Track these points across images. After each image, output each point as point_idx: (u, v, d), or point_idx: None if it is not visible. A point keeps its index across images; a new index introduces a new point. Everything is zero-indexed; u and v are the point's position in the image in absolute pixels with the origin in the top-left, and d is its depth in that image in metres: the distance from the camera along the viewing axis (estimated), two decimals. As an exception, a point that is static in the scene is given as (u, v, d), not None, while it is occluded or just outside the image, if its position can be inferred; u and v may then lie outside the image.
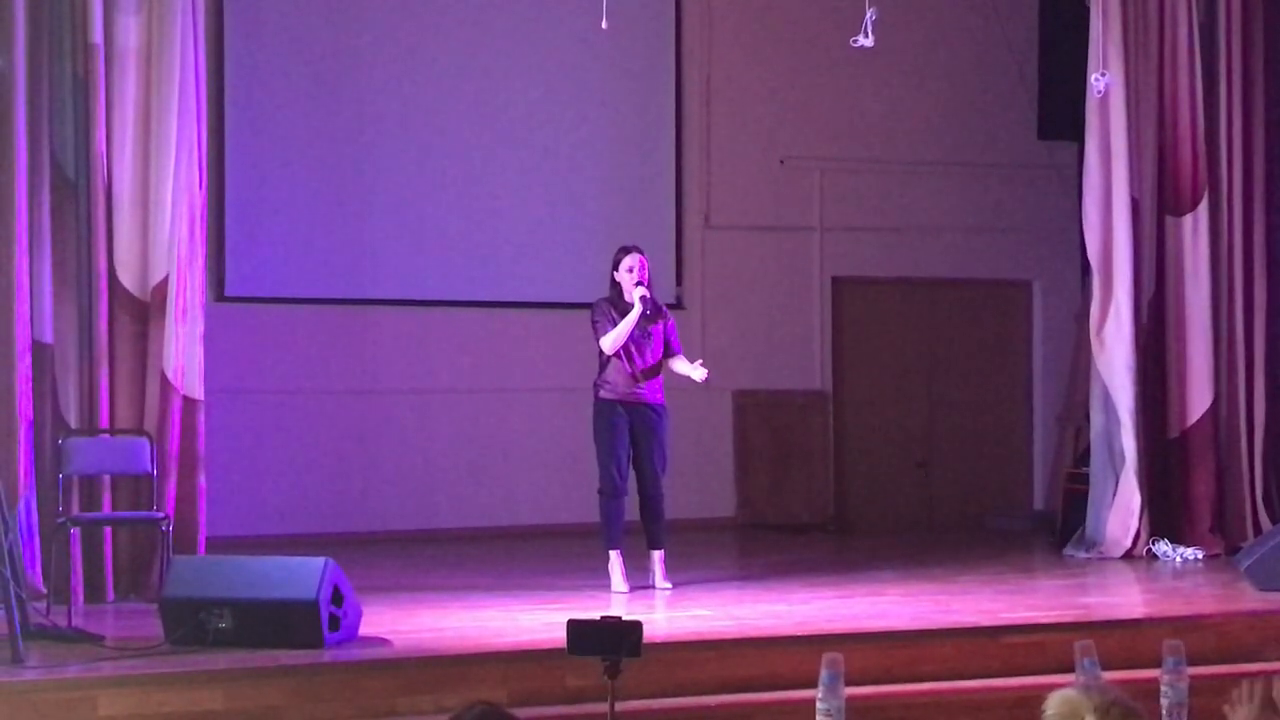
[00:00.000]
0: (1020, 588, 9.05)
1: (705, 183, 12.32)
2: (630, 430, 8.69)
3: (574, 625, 5.13)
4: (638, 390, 8.70)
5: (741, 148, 12.37)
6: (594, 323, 8.75)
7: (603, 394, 8.74)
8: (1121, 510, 10.20)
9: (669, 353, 8.78)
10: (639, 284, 8.68)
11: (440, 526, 11.36)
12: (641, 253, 8.83)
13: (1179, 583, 9.36)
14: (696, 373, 8.69)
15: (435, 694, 6.45)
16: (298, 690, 6.42)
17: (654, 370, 8.76)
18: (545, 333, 11.70)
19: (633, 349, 8.68)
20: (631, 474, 8.76)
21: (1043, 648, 7.13)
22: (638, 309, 8.61)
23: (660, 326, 8.78)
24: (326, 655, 6.75)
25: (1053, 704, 3.32)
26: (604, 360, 8.73)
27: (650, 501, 8.79)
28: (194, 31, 8.60)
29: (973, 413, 13.03)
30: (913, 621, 7.65)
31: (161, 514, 8.23)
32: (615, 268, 8.79)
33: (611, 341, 8.64)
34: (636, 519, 8.84)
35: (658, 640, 6.71)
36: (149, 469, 8.31)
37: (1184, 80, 10.44)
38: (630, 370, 8.69)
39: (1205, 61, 10.50)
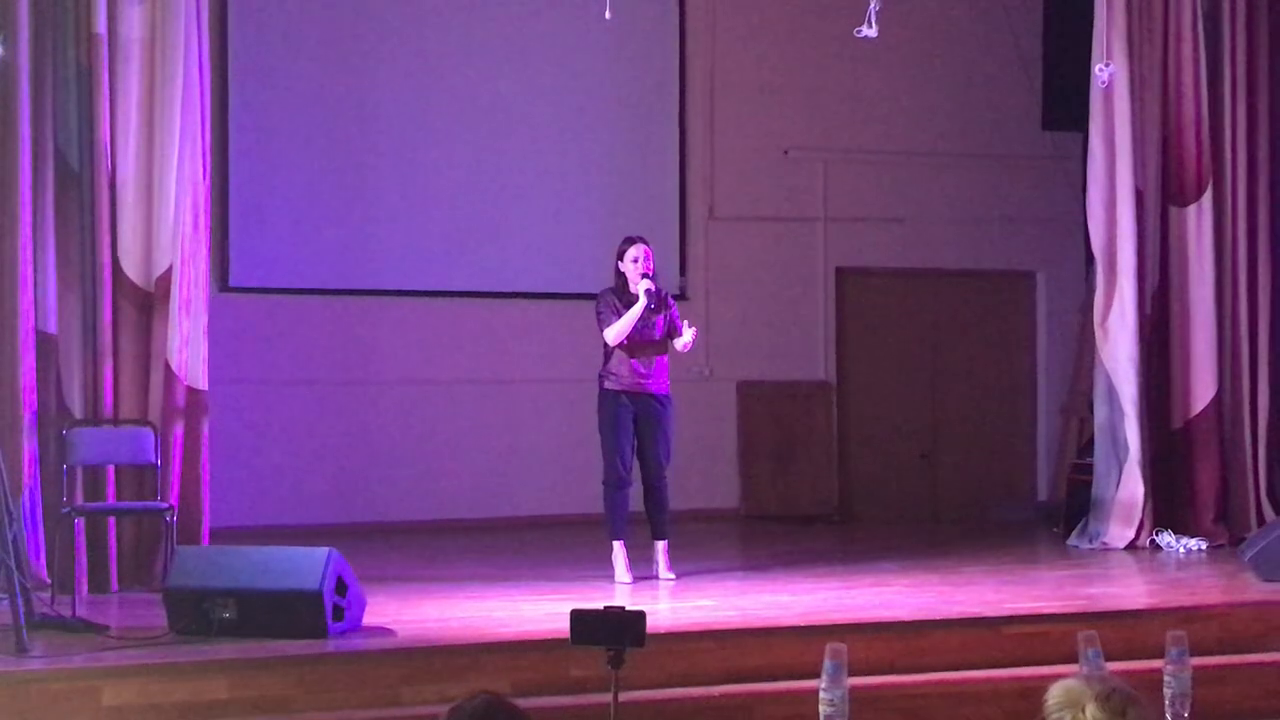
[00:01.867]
0: (1024, 578, 9.04)
1: (709, 173, 12.32)
2: (635, 421, 8.69)
3: (577, 615, 5.13)
4: (643, 381, 8.70)
5: (745, 138, 12.36)
6: (598, 314, 8.74)
7: (607, 385, 8.73)
8: (1125, 501, 10.20)
9: (672, 337, 8.77)
10: (645, 275, 8.67)
11: (444, 517, 11.37)
12: (646, 243, 8.82)
13: (1182, 574, 9.36)
14: (686, 334, 8.64)
15: (439, 684, 6.45)
16: (302, 680, 6.42)
17: (659, 360, 8.75)
18: (549, 323, 11.70)
19: (637, 339, 8.67)
20: (636, 464, 8.76)
21: (1046, 638, 7.13)
22: (642, 302, 8.59)
23: (664, 317, 8.77)
24: (330, 645, 6.76)
25: (1054, 694, 3.32)
26: (609, 351, 8.72)
27: (654, 492, 8.78)
28: (197, 21, 8.59)
29: (976, 403, 13.03)
30: (916, 612, 7.64)
31: (165, 504, 8.24)
32: (620, 258, 8.78)
33: (615, 333, 8.63)
34: (641, 509, 8.84)
35: (661, 630, 6.71)
36: (153, 459, 8.31)
37: (1188, 70, 10.43)
38: (635, 361, 8.68)
39: (1209, 52, 10.49)
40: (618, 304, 8.68)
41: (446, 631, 7.14)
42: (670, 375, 8.87)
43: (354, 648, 6.80)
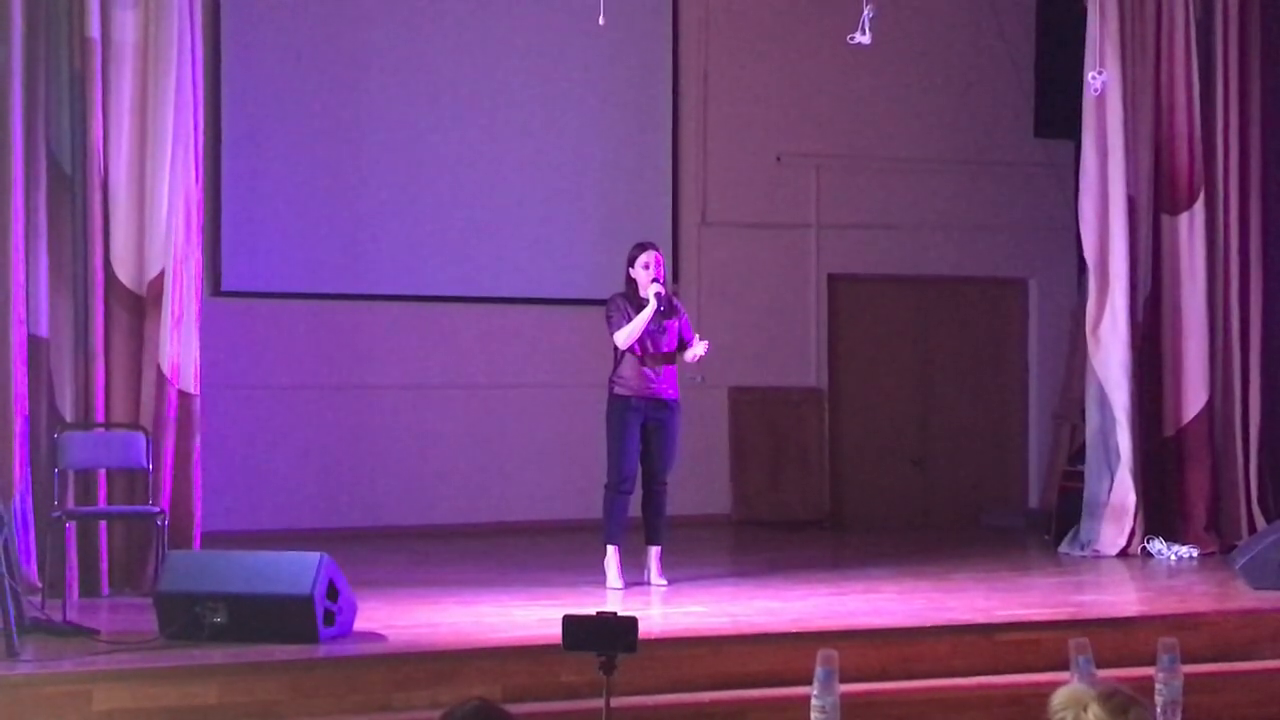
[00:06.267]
0: (1015, 585, 9.04)
1: (702, 179, 12.32)
2: (644, 426, 8.68)
3: (569, 621, 5.13)
4: (653, 385, 8.68)
5: (738, 144, 12.36)
6: (609, 318, 8.72)
7: (617, 390, 8.72)
8: (1116, 508, 10.22)
9: (682, 347, 8.78)
10: (654, 280, 8.68)
11: (436, 522, 11.36)
12: (657, 249, 8.84)
13: (1173, 581, 9.37)
14: (699, 348, 8.67)
15: (430, 689, 6.46)
16: (292, 685, 6.42)
17: (669, 365, 8.74)
18: (541, 328, 11.71)
19: (648, 344, 8.66)
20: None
21: (1037, 646, 7.14)
22: (652, 305, 8.60)
23: (675, 323, 8.78)
24: (321, 650, 6.75)
25: (1058, 697, 3.36)
26: (619, 356, 8.71)
27: (654, 497, 8.78)
28: (190, 25, 8.59)
29: (968, 410, 13.03)
30: (907, 619, 7.65)
31: (157, 508, 8.24)
32: (631, 264, 8.78)
33: (626, 336, 8.62)
34: (636, 514, 8.83)
35: (653, 636, 6.71)
36: (144, 463, 8.31)
37: (1180, 78, 10.45)
38: (645, 365, 8.66)
39: (1202, 60, 10.52)
40: (628, 308, 8.68)
41: (438, 637, 7.14)
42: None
43: (345, 653, 6.79)
